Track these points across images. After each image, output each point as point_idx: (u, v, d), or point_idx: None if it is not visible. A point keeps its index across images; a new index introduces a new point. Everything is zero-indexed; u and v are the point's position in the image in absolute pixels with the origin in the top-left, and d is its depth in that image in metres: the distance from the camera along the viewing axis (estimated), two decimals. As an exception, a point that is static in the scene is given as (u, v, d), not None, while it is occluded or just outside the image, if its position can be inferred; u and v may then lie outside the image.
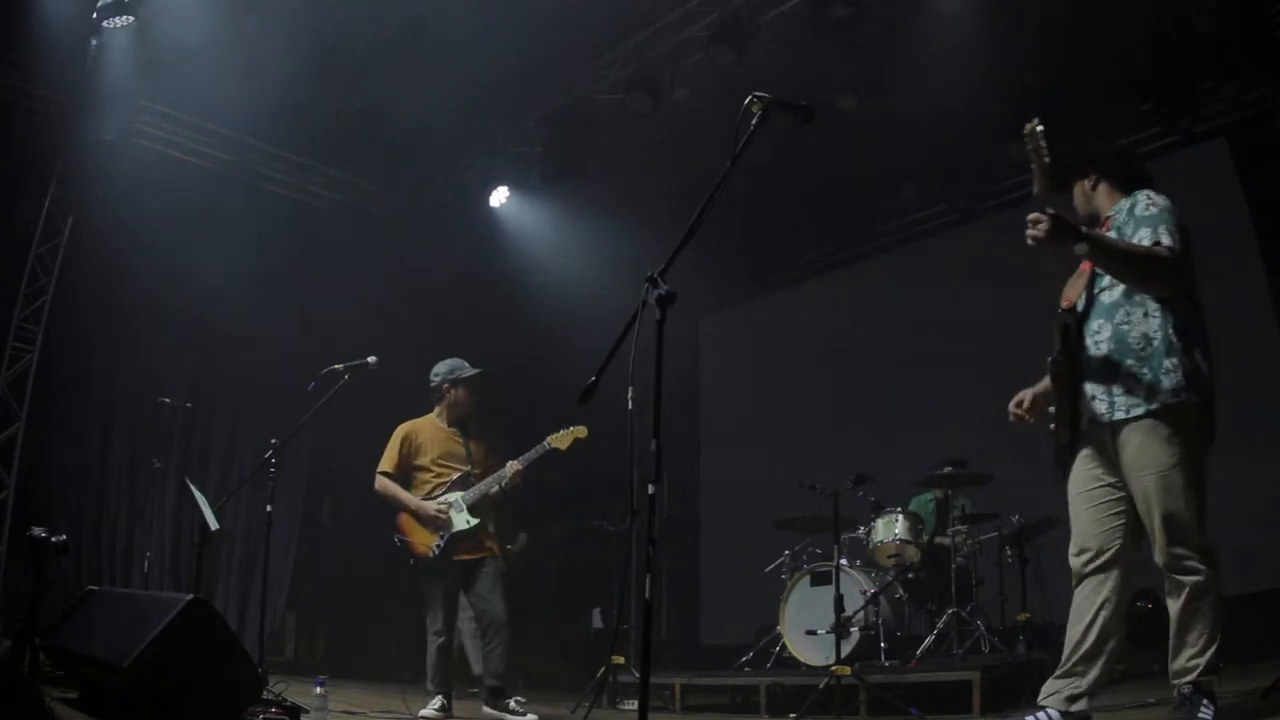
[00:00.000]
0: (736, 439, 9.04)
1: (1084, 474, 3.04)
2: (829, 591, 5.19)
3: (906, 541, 5.81)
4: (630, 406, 2.33)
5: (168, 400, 6.92)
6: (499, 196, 8.13)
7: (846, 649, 4.96)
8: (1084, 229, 2.85)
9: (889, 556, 5.91)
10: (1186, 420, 2.84)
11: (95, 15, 6.06)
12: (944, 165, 7.38)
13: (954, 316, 7.41)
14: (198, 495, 4.81)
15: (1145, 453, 2.85)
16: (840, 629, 4.96)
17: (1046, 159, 2.79)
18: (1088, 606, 2.93)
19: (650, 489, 2.28)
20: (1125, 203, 3.08)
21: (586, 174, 7.37)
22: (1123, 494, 2.93)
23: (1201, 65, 6.32)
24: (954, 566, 5.66)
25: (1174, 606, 2.83)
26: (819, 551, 6.15)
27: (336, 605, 8.26)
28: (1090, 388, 2.97)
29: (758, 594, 6.75)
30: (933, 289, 7.64)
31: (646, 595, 2.28)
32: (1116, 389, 2.91)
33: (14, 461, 6.48)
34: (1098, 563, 2.94)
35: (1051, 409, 3.11)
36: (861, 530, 6.06)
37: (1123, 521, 2.93)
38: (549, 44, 6.58)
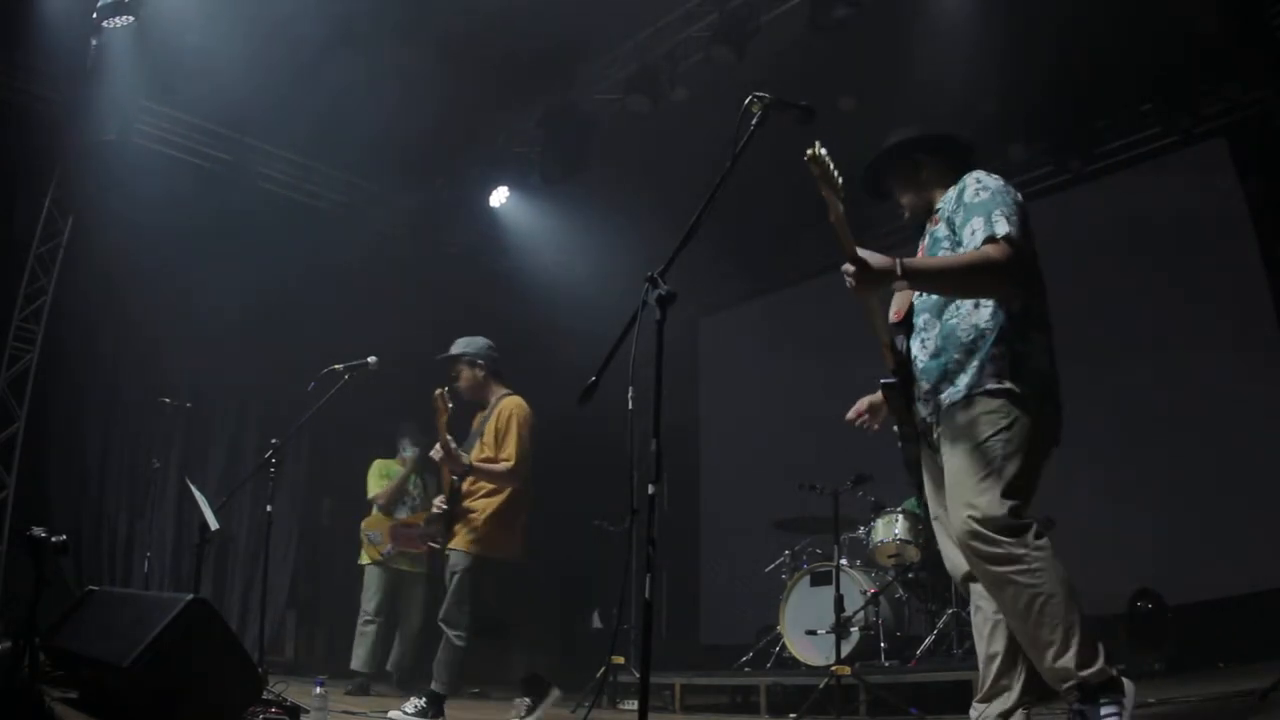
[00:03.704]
0: (736, 440, 9.03)
1: (928, 489, 2.89)
2: (829, 591, 5.19)
3: (906, 541, 5.81)
4: (630, 407, 2.33)
5: (168, 400, 6.91)
6: (499, 196, 8.12)
7: (846, 649, 4.97)
8: (899, 262, 2.53)
9: (889, 556, 5.90)
10: (1011, 405, 2.57)
11: (95, 15, 6.05)
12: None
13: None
14: (198, 495, 4.81)
15: (965, 435, 2.59)
16: (840, 629, 4.96)
17: (839, 179, 2.48)
18: (983, 619, 2.72)
19: (650, 489, 2.28)
20: (953, 190, 2.83)
21: (586, 174, 7.36)
22: None
23: (1201, 65, 6.32)
24: (954, 566, 5.66)
25: (999, 605, 2.54)
26: (819, 551, 6.16)
27: (336, 605, 8.25)
28: (920, 389, 2.77)
29: (758, 594, 6.75)
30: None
31: (646, 595, 2.28)
32: (942, 386, 2.69)
33: (14, 461, 6.47)
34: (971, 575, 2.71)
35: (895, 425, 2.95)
36: (861, 530, 6.06)
37: None
38: (549, 44, 6.58)
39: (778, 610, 5.86)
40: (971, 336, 2.66)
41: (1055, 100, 6.78)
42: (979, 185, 2.74)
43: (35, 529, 2.95)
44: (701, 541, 9.22)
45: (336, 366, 4.75)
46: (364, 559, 6.93)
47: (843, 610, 5.06)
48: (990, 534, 2.49)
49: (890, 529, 5.88)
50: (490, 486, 4.61)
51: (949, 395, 2.67)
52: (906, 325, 2.89)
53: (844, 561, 5.59)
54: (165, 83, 6.67)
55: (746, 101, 2.55)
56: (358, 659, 6.57)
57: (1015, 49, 6.05)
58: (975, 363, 2.63)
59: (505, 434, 4.63)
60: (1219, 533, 5.70)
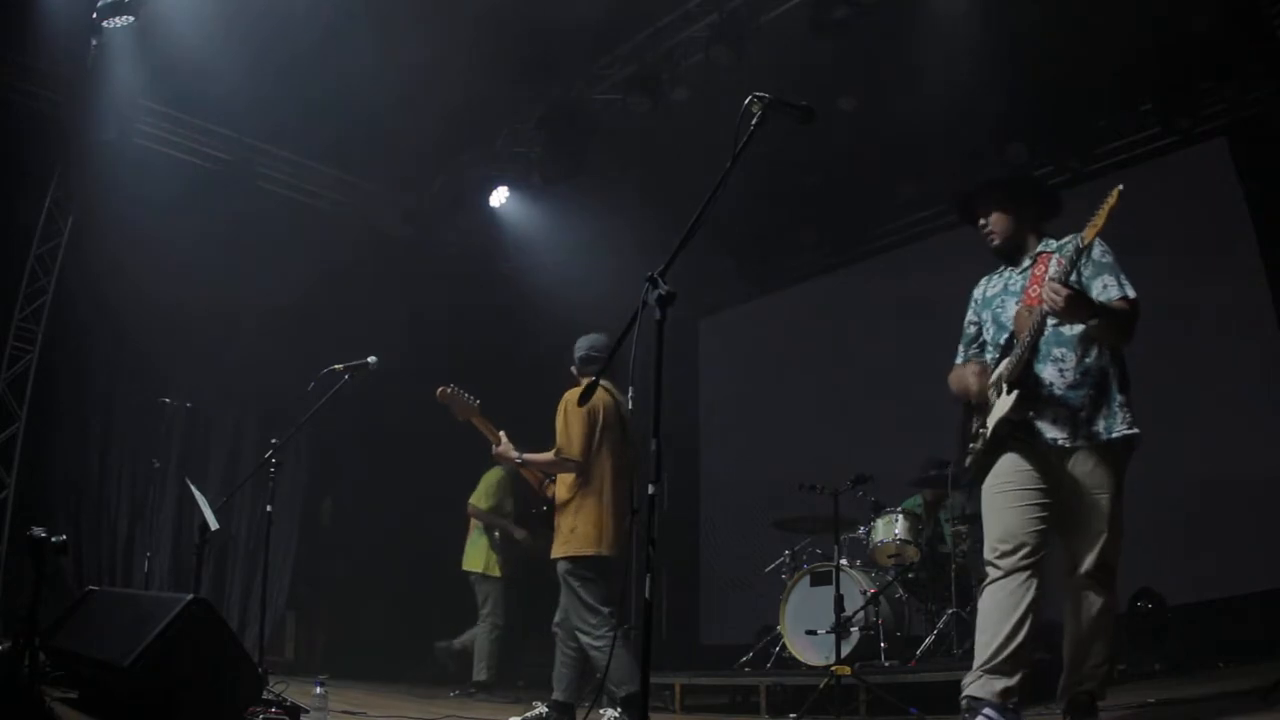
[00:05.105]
0: (736, 439, 9.03)
1: (1011, 473, 3.08)
2: (829, 591, 5.19)
3: (906, 541, 5.81)
4: (630, 407, 2.33)
5: (168, 400, 6.91)
6: (499, 196, 8.12)
7: (846, 649, 4.96)
8: (1097, 302, 2.96)
9: (889, 556, 5.91)
10: (1129, 453, 3.06)
11: (95, 15, 6.05)
12: (944, 165, 7.38)
13: (954, 316, 7.39)
14: (198, 495, 4.80)
15: (1101, 474, 3.01)
16: (840, 629, 4.96)
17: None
18: (1013, 604, 2.92)
19: (650, 489, 2.28)
20: (1075, 243, 3.09)
21: (587, 174, 7.36)
22: (1049, 501, 3.02)
23: (1201, 65, 6.32)
24: (954, 566, 5.66)
25: (1084, 616, 3.04)
26: (819, 551, 6.15)
27: (336, 605, 8.26)
28: (1053, 412, 3.06)
29: (758, 594, 6.75)
30: (932, 289, 7.62)
31: (646, 595, 2.28)
32: (1081, 416, 3.04)
33: (14, 461, 6.47)
34: (1027, 559, 2.96)
35: (979, 428, 3.19)
36: (861, 530, 6.06)
37: (1045, 526, 3.01)
38: (549, 44, 6.58)
39: (778, 610, 5.86)
40: (1100, 378, 3.06)
41: (1055, 100, 6.78)
42: (1103, 249, 3.17)
43: (35, 529, 2.94)
44: (701, 541, 9.22)
45: (336, 366, 4.74)
46: (496, 572, 6.91)
47: (843, 610, 5.06)
48: (1115, 568, 3.05)
49: (890, 529, 5.88)
50: (566, 483, 4.55)
51: (1092, 431, 3.03)
52: (1009, 346, 3.21)
53: (844, 561, 5.59)
54: (165, 83, 6.66)
55: (746, 101, 2.55)
56: (490, 669, 6.70)
57: (1015, 49, 6.05)
58: (1108, 405, 3.04)
59: (559, 425, 4.59)
60: (1219, 533, 5.70)
